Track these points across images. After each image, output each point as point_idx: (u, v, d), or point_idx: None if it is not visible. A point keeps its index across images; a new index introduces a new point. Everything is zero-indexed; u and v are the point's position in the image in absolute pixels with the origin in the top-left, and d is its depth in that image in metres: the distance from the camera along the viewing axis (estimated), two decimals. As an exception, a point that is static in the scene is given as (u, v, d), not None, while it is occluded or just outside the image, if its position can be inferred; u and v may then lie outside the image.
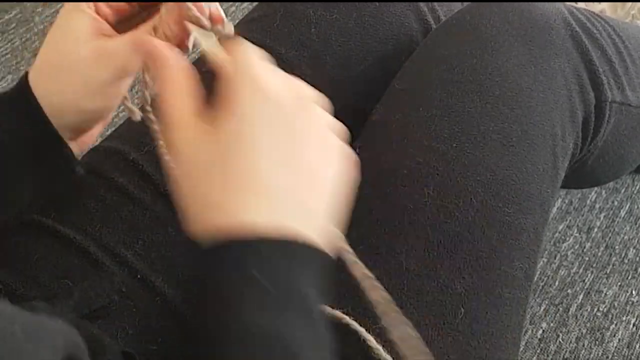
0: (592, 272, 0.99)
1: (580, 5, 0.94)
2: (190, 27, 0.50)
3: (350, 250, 0.47)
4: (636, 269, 1.00)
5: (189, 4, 0.50)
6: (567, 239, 1.03)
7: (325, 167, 0.44)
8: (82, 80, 0.51)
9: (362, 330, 0.52)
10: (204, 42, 0.50)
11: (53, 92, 0.51)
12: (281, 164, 0.42)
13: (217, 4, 0.51)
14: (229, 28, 0.51)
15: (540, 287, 0.98)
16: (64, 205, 0.61)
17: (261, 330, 0.38)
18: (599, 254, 1.01)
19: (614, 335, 0.94)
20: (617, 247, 1.02)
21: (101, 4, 0.52)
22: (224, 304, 0.39)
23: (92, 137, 0.56)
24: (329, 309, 0.52)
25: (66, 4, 0.53)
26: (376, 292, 0.47)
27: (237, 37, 0.49)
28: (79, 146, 0.56)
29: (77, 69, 0.50)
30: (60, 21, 0.52)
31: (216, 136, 0.42)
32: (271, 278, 0.40)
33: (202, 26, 0.50)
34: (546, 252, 1.01)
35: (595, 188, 1.07)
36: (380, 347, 0.51)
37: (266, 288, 0.39)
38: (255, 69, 0.43)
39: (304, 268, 0.41)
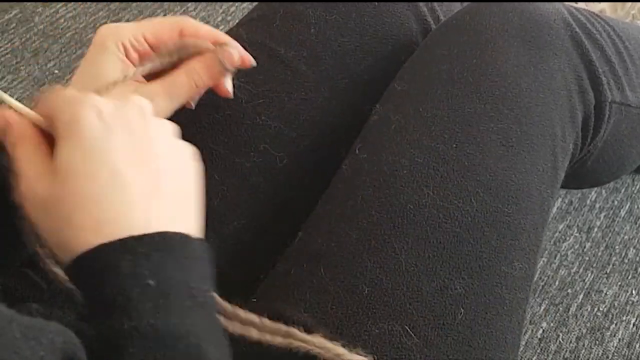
0: (592, 272, 0.99)
1: (580, 5, 0.94)
2: None
3: None
4: (636, 269, 1.00)
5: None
6: (567, 238, 1.03)
7: (177, 166, 0.45)
8: None
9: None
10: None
11: None
12: (136, 175, 0.43)
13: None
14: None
15: (540, 287, 0.98)
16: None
17: (159, 332, 0.39)
18: (599, 254, 1.01)
19: (614, 335, 0.94)
20: (617, 247, 1.02)
21: (130, 49, 0.51)
22: (117, 312, 0.39)
23: None
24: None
25: (95, 42, 0.52)
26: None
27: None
28: None
29: None
30: (88, 62, 0.52)
31: (56, 168, 0.42)
32: (155, 275, 0.40)
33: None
34: (546, 252, 1.01)
35: (595, 188, 1.07)
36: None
37: (152, 286, 0.40)
38: (71, 102, 0.43)
39: (184, 261, 0.42)
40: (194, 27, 0.54)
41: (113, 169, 0.42)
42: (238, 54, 0.54)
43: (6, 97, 0.46)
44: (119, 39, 0.51)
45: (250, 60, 0.54)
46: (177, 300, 0.40)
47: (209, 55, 0.53)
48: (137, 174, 0.43)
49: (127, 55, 0.52)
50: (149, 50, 0.52)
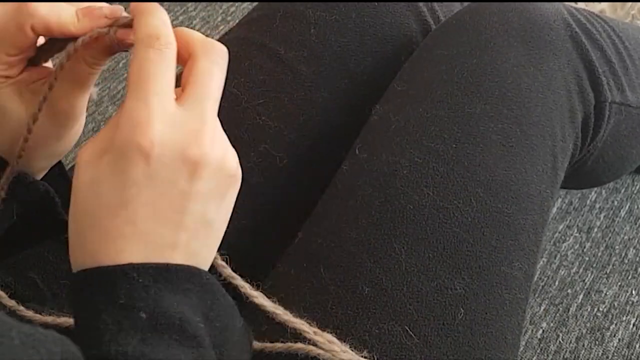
0: (592, 272, 0.99)
1: (580, 5, 0.94)
2: None
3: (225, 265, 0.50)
4: (636, 269, 1.00)
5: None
6: (567, 239, 1.03)
7: (204, 225, 0.43)
8: (39, 142, 0.49)
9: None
10: None
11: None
12: (155, 227, 0.41)
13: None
14: None
15: (540, 287, 0.98)
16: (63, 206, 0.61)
17: (145, 357, 0.38)
18: (599, 254, 1.01)
19: (614, 335, 0.94)
20: (617, 247, 1.02)
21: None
22: (106, 337, 0.39)
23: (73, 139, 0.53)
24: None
25: None
26: (260, 299, 0.49)
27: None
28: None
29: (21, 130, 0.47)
30: None
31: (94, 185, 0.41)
32: (148, 307, 0.39)
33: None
34: (546, 252, 1.01)
35: (595, 188, 1.07)
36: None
37: (143, 319, 0.39)
38: (134, 123, 0.40)
39: (181, 294, 0.41)
40: (42, 22, 0.46)
41: (131, 219, 0.41)
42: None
43: None
44: None
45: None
46: (165, 335, 0.39)
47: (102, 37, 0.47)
48: (156, 227, 0.41)
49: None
50: (26, 44, 0.47)
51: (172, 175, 0.41)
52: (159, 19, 0.43)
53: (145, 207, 0.41)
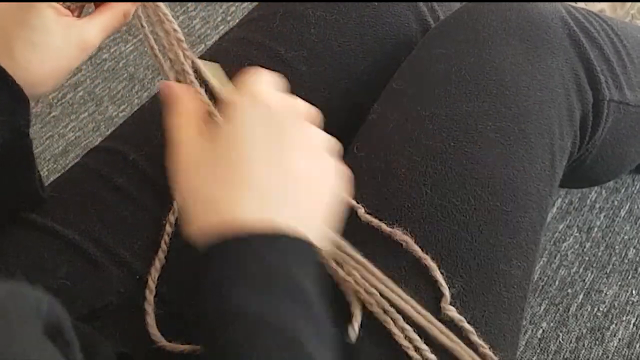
0: (592, 272, 0.99)
1: (580, 4, 0.94)
2: (198, 61, 0.56)
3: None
4: (636, 269, 1.00)
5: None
6: (567, 238, 1.03)
7: (314, 174, 0.49)
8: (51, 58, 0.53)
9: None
10: (211, 74, 0.55)
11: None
12: (271, 166, 0.47)
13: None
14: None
15: (540, 287, 0.98)
16: (64, 205, 0.61)
17: (256, 313, 0.41)
18: (599, 254, 1.01)
19: (614, 335, 0.94)
20: (617, 247, 1.02)
21: None
22: (220, 295, 0.42)
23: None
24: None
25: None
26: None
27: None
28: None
29: (49, 48, 0.52)
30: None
31: (213, 138, 0.48)
32: (265, 270, 0.43)
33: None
34: (546, 252, 1.01)
35: (595, 188, 1.07)
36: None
37: (261, 277, 0.42)
38: (256, 86, 0.49)
39: (299, 262, 0.44)
40: None
41: (267, 156, 0.47)
42: None
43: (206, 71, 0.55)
44: None
45: None
46: (283, 295, 0.42)
47: None
48: (268, 173, 0.46)
49: None
50: None
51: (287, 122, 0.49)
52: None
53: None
